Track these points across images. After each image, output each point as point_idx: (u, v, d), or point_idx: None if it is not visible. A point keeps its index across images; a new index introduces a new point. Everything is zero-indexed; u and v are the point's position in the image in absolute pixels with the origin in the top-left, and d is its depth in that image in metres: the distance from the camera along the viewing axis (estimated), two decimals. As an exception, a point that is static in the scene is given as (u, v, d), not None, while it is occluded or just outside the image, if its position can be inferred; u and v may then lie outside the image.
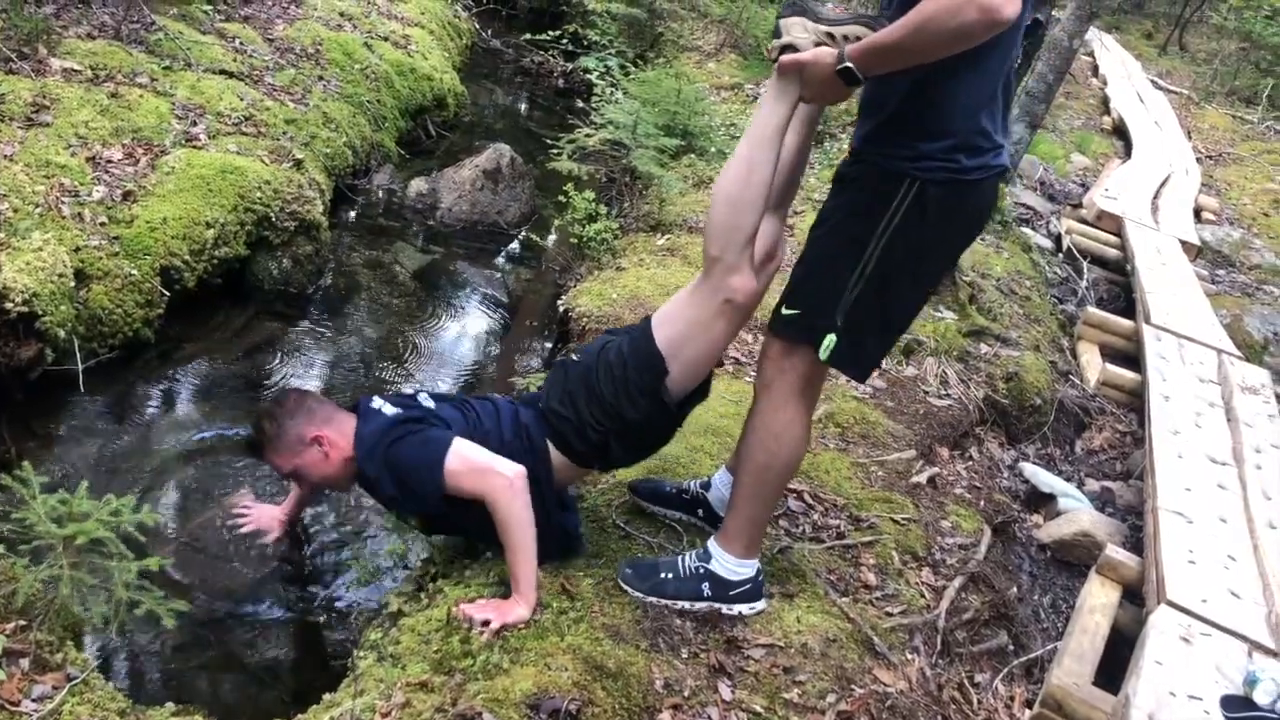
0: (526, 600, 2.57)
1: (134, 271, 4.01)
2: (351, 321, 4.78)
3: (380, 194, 6.13)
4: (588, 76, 7.86)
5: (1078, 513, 4.13)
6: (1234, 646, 3.06)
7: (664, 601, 2.74)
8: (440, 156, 7.00)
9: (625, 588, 2.75)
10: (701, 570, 2.74)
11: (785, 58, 2.33)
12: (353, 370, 4.40)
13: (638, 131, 6.08)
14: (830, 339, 2.42)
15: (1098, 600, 3.47)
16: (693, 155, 6.73)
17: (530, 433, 2.77)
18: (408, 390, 2.88)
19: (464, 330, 4.98)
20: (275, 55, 6.14)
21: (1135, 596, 3.57)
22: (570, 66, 9.08)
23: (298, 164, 5.08)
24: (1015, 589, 3.62)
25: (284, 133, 5.32)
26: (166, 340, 4.18)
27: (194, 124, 4.95)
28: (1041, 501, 4.31)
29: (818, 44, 2.29)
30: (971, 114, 2.25)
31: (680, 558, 2.81)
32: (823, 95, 2.38)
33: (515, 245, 6.04)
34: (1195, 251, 7.45)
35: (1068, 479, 4.54)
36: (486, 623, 2.51)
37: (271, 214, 4.67)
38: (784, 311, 2.50)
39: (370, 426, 2.67)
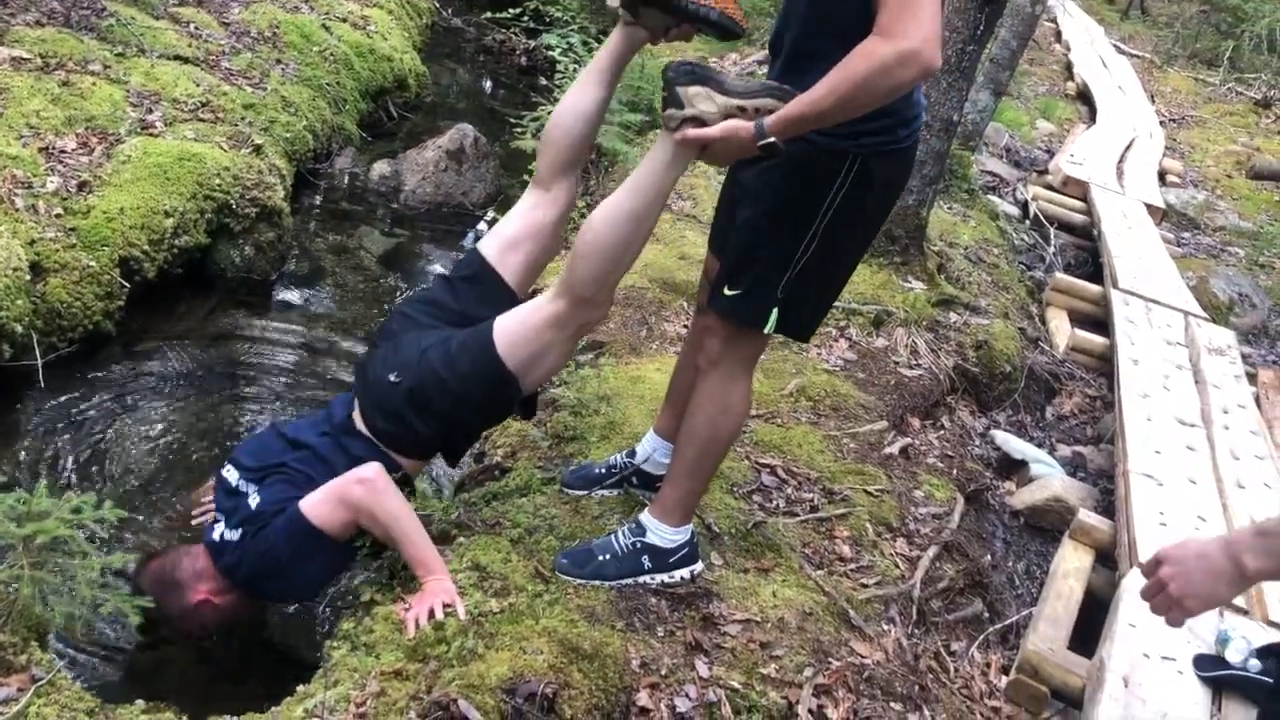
0: (441, 571, 2.57)
1: (92, 263, 3.93)
2: (316, 308, 4.73)
3: (343, 178, 6.05)
4: (550, 54, 7.78)
5: (1049, 478, 4.15)
6: (1206, 607, 3.08)
7: (608, 584, 2.72)
8: (403, 138, 6.91)
9: (566, 578, 2.71)
10: (639, 545, 2.74)
11: (692, 132, 2.22)
12: (317, 357, 4.34)
13: (602, 108, 6.02)
14: (774, 313, 2.42)
15: (1071, 565, 3.50)
16: (658, 130, 6.68)
17: (361, 458, 2.71)
18: (227, 499, 2.74)
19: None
20: (231, 39, 6.03)
21: (1108, 560, 3.59)
22: (532, 44, 8.98)
23: (257, 149, 4.99)
24: (989, 556, 3.64)
25: (242, 118, 5.23)
26: (128, 332, 4.11)
27: (149, 111, 4.85)
28: (1013, 468, 4.33)
29: (727, 116, 2.20)
30: (908, 92, 2.23)
31: (612, 537, 2.79)
32: (730, 160, 2.35)
33: (481, 226, 5.98)
34: (1161, 215, 7.50)
35: (1039, 445, 4.56)
36: (433, 613, 2.48)
37: (232, 201, 4.59)
38: (726, 292, 2.46)
39: (227, 556, 2.63)
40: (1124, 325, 5.15)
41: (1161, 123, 10.54)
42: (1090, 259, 6.78)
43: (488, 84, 8.98)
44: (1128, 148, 8.87)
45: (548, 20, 8.47)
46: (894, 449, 3.88)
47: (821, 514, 3.29)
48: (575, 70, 7.06)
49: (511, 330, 2.63)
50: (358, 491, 2.54)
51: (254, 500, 2.67)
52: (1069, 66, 12.12)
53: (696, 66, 2.24)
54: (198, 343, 4.22)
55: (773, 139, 2.13)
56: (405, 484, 2.79)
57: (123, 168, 4.33)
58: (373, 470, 2.58)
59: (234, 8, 6.46)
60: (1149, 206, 7.40)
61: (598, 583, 2.71)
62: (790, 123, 2.11)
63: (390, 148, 6.60)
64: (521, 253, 2.85)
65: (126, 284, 4.07)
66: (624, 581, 2.73)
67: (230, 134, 4.96)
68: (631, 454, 3.11)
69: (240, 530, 2.64)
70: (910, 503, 3.56)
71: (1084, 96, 10.99)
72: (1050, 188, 7.65)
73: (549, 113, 6.42)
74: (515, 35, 9.17)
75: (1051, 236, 6.90)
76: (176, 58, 5.43)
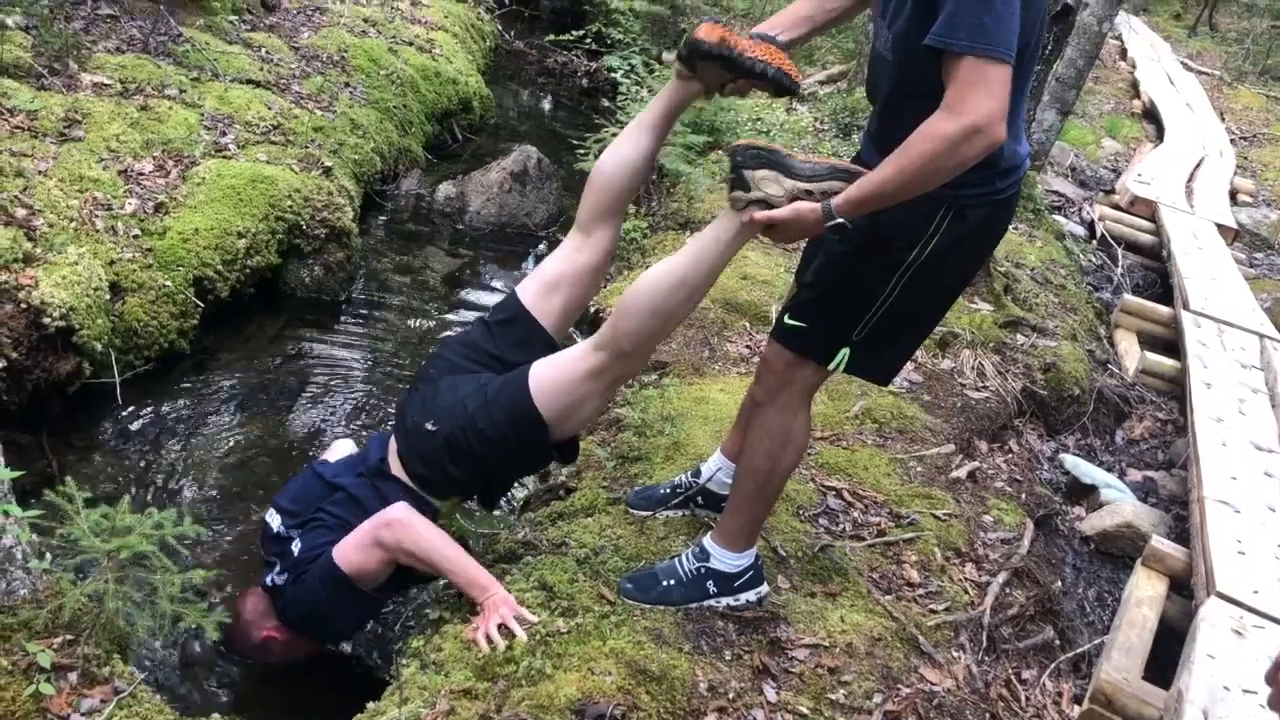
0: (494, 586, 2.60)
1: (167, 283, 4.03)
2: (383, 327, 4.79)
3: (409, 199, 6.14)
4: (612, 75, 7.84)
5: (1120, 504, 4.07)
6: (1287, 638, 3.01)
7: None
8: (467, 159, 7.00)
9: (631, 603, 2.71)
10: (703, 570, 2.73)
11: (759, 214, 2.23)
12: (384, 376, 4.40)
13: (664, 129, 6.05)
14: (844, 353, 2.41)
15: (1144, 593, 3.42)
16: (720, 151, 6.69)
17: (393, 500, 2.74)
18: (273, 546, 2.83)
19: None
20: (301, 63, 6.16)
21: (1183, 588, 3.51)
22: (594, 66, 9.06)
23: (326, 171, 5.09)
24: (1059, 583, 3.57)
25: (312, 140, 5.34)
26: (201, 351, 4.21)
27: (223, 134, 4.97)
28: (1083, 493, 4.26)
29: (794, 199, 2.20)
30: (1013, 142, 2.21)
31: (676, 561, 2.78)
32: (796, 240, 2.35)
33: (544, 247, 6.03)
34: (1232, 235, 7.35)
35: (1109, 469, 4.48)
36: (504, 626, 2.51)
37: (302, 222, 4.69)
38: (788, 321, 2.45)
39: (278, 602, 2.74)
40: (1196, 348, 5.05)
41: (1232, 141, 10.34)
42: (1159, 280, 6.66)
43: (550, 105, 9.07)
44: (1197, 166, 8.71)
45: (609, 42, 8.54)
46: (961, 473, 3.83)
47: (889, 538, 3.26)
48: (637, 91, 7.11)
49: (548, 379, 2.61)
50: (387, 534, 2.57)
51: (296, 547, 2.74)
52: (1135, 84, 11.94)
53: (763, 150, 2.23)
54: (268, 360, 4.31)
55: (841, 220, 2.13)
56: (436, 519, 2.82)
57: (197, 189, 4.44)
58: (400, 510, 2.62)
59: (304, 33, 6.59)
60: (1220, 226, 7.25)
61: (663, 608, 2.71)
62: (857, 204, 2.11)
63: (455, 169, 6.69)
64: (559, 297, 2.84)
65: (200, 303, 4.18)
66: (689, 606, 2.73)
67: (300, 156, 5.06)
68: (696, 473, 3.10)
69: (286, 575, 2.72)
70: (979, 527, 3.51)
71: (1151, 115, 10.82)
72: (1117, 207, 7.53)
73: (612, 134, 6.51)
74: (577, 57, 9.27)
75: (1119, 257, 6.79)
76: (249, 82, 5.56)
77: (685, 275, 2.41)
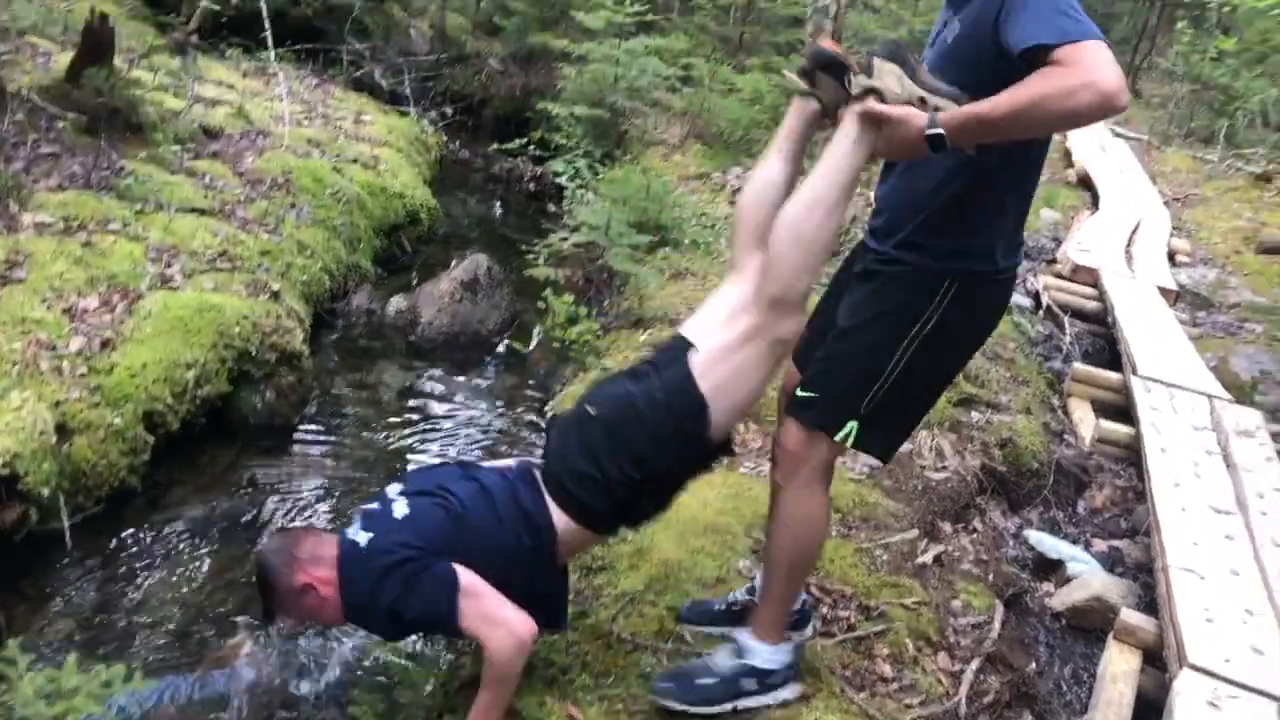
0: None
1: (116, 420, 3.98)
2: (339, 448, 4.74)
3: (360, 315, 6.14)
4: (557, 180, 7.96)
5: (1088, 576, 4.07)
6: (1263, 706, 3.00)
7: (713, 710, 2.69)
8: (418, 270, 7.03)
9: (667, 703, 2.68)
10: (743, 667, 2.72)
11: (872, 104, 2.25)
12: (344, 499, 4.34)
13: (611, 231, 6.14)
14: (851, 425, 2.46)
15: (1119, 668, 3.40)
16: (667, 248, 6.78)
17: (529, 510, 2.64)
18: (374, 501, 2.71)
19: (452, 445, 4.94)
20: (246, 188, 6.19)
21: (1157, 660, 3.50)
22: (540, 170, 9.18)
23: (275, 295, 5.09)
24: (1034, 664, 3.54)
25: (259, 264, 5.34)
26: (154, 486, 4.14)
27: (169, 265, 4.96)
28: (1050, 568, 4.25)
29: (908, 102, 2.22)
30: (1015, 219, 2.35)
31: (711, 659, 2.77)
32: (896, 153, 2.35)
33: (498, 353, 6.03)
34: (1174, 296, 7.49)
35: (1074, 541, 4.48)
36: None
37: (252, 348, 4.66)
38: (800, 393, 2.51)
39: (351, 562, 2.57)
40: (1148, 413, 5.11)
41: (1165, 203, 10.60)
42: (1108, 346, 6.76)
43: (498, 212, 9.16)
44: (1134, 231, 8.91)
45: (553, 147, 8.68)
46: (927, 557, 3.83)
47: (859, 632, 3.23)
48: (582, 194, 7.22)
49: (704, 356, 2.55)
50: (506, 643, 2.46)
51: (401, 510, 2.61)
52: (1068, 153, 12.26)
53: (900, 48, 2.26)
54: (223, 492, 4.24)
55: (941, 130, 2.12)
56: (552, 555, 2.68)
57: (144, 323, 4.41)
58: (527, 629, 2.49)
59: (248, 157, 6.64)
60: (1161, 289, 7.40)
61: (703, 710, 2.69)
62: (966, 122, 2.11)
63: (406, 281, 6.72)
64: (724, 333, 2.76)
65: (151, 438, 4.12)
66: (724, 706, 2.70)
67: (248, 281, 5.06)
68: (751, 590, 3.02)
69: (371, 536, 2.57)
70: (949, 613, 3.49)
71: (1085, 182, 11.08)
72: (1060, 276, 7.66)
73: (561, 239, 6.59)
74: (522, 163, 9.40)
75: (1066, 326, 6.89)
76: (193, 210, 5.57)
77: (819, 194, 2.38)
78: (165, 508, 4.08)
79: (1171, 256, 8.85)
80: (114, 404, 4.03)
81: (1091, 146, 12.14)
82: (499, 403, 5.46)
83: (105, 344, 4.24)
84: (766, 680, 2.73)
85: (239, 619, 3.46)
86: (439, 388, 5.55)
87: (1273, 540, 3.97)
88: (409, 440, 4.88)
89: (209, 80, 7.81)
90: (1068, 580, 4.11)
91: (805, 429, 2.52)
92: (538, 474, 2.73)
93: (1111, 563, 4.36)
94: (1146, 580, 4.16)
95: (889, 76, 2.25)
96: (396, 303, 6.18)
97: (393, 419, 5.08)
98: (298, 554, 2.62)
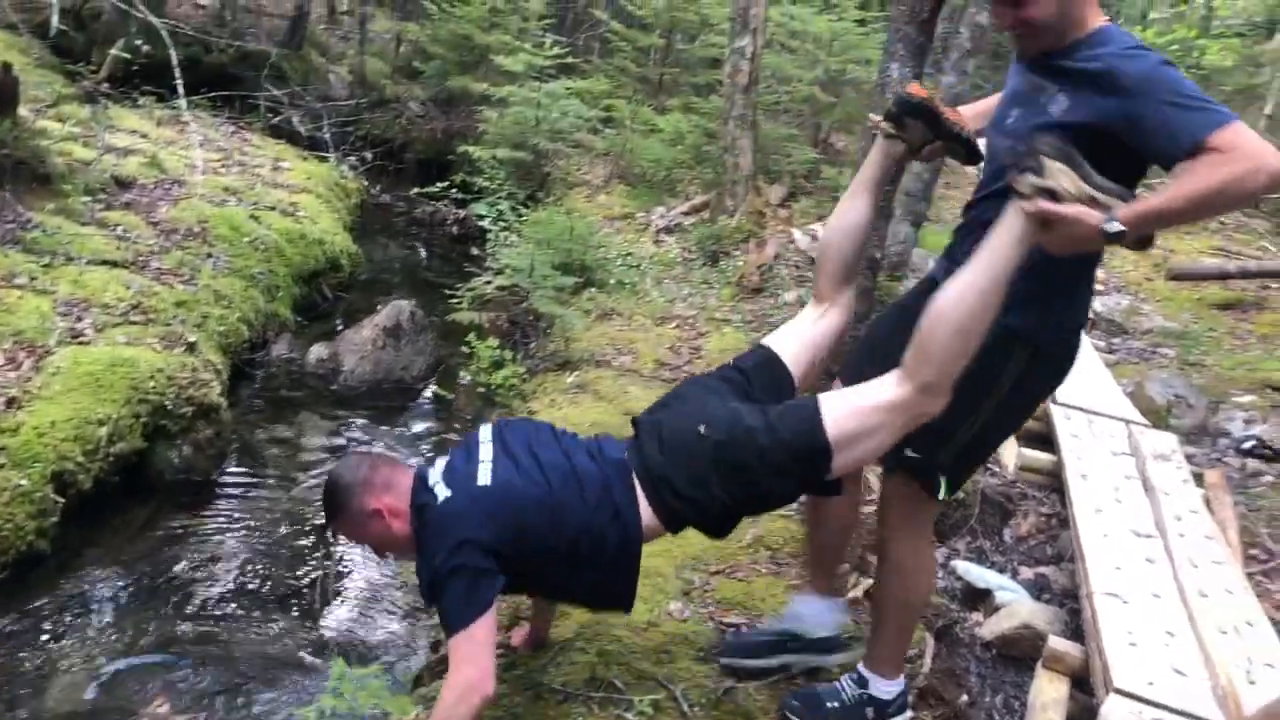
0: None
1: (23, 482, 3.84)
2: (259, 502, 4.63)
3: (280, 365, 6.03)
4: (480, 222, 7.94)
5: (1016, 605, 4.10)
6: (1188, 728, 3.04)
7: None
8: (341, 317, 6.94)
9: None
10: (864, 696, 2.87)
11: (1046, 205, 2.22)
12: (265, 554, 4.23)
13: (534, 273, 6.12)
14: (943, 479, 2.61)
15: (1048, 696, 3.43)
16: (593, 289, 6.78)
17: (619, 505, 2.59)
18: (461, 447, 2.64)
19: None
20: (160, 238, 6.07)
21: (1085, 685, 3.53)
22: (462, 213, 9.16)
23: (190, 347, 4.97)
24: (965, 695, 3.55)
25: (175, 316, 5.22)
26: (65, 549, 3.99)
27: (79, 319, 4.83)
28: (979, 597, 4.28)
29: (1080, 201, 2.21)
30: (1086, 284, 2.53)
31: (837, 686, 2.93)
32: (1065, 249, 2.34)
33: (423, 400, 5.97)
34: (1089, 323, 7.67)
35: (1001, 570, 4.53)
36: None
37: (167, 402, 4.55)
38: (907, 454, 2.59)
39: (423, 506, 2.51)
40: (1068, 440, 5.20)
41: (1077, 233, 10.89)
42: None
43: (422, 256, 9.09)
44: (1049, 261, 9.11)
45: (476, 190, 8.66)
46: (858, 591, 3.82)
47: (793, 671, 3.21)
48: (506, 236, 7.20)
49: (842, 403, 2.56)
50: (464, 683, 2.38)
51: (483, 475, 2.53)
52: (983, 187, 12.55)
53: (1067, 146, 2.24)
54: (138, 552, 4.11)
55: (1123, 227, 2.14)
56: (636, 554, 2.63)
57: (53, 379, 4.28)
58: (486, 693, 2.39)
59: (162, 207, 6.51)
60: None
61: None
62: (1143, 215, 2.15)
63: (328, 329, 6.63)
64: (805, 357, 2.87)
65: (60, 499, 3.98)
66: None
67: (163, 334, 4.94)
68: (799, 628, 3.16)
69: (449, 495, 2.48)
70: (880, 648, 3.49)
71: (1001, 215, 11.35)
72: (980, 308, 7.80)
73: (485, 282, 6.55)
74: (445, 206, 9.36)
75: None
76: (105, 262, 5.43)
77: (979, 286, 2.38)
78: (77, 571, 3.94)
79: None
80: (20, 465, 3.89)
81: (1005, 179, 12.42)
82: (425, 450, 5.38)
83: (11, 403, 4.10)
84: (885, 710, 2.87)
85: (153, 686, 3.34)
86: (362, 437, 5.46)
87: (1190, 561, 4.05)
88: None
89: (121, 129, 7.67)
90: (996, 609, 4.14)
91: (911, 486, 2.65)
92: (633, 471, 2.66)
93: (1038, 590, 4.41)
94: (1073, 606, 4.21)
95: (1062, 177, 2.23)
96: (318, 351, 6.09)
97: (315, 470, 4.98)
98: (373, 479, 2.57)
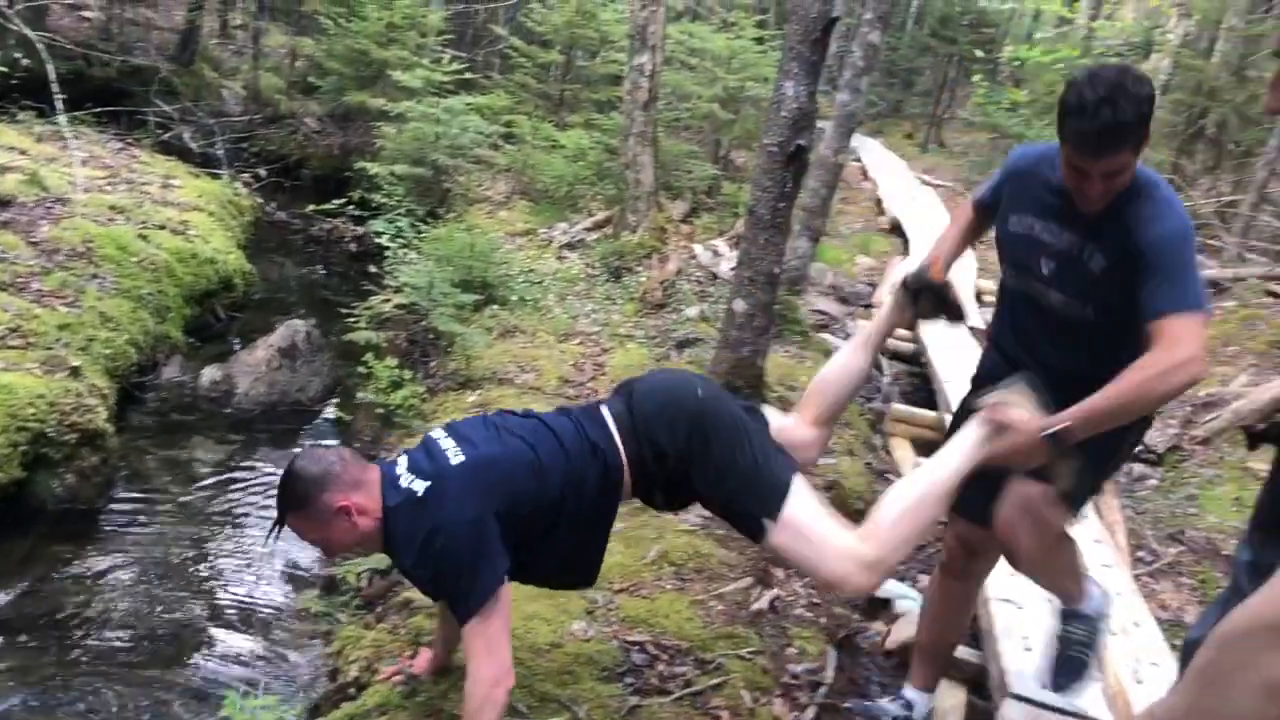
0: None
1: (-110, 517, 3.65)
2: (150, 531, 4.47)
3: (171, 388, 5.85)
4: (379, 240, 7.82)
5: (916, 613, 4.16)
6: (1081, 729, 3.11)
7: None
8: (236, 338, 6.76)
9: None
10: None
11: (1001, 409, 2.47)
12: (154, 584, 4.09)
13: (434, 290, 6.04)
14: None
15: (948, 703, 3.48)
16: (494, 306, 6.72)
17: (594, 439, 2.61)
18: (419, 453, 2.57)
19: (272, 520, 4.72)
20: (41, 259, 5.84)
21: (983, 691, 3.60)
22: (361, 230, 9.01)
23: (74, 371, 4.79)
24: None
25: (57, 340, 5.03)
26: (-64, 586, 3.80)
27: (-48, 345, 4.62)
28: (880, 606, 4.34)
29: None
30: None
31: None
32: (1017, 459, 2.49)
33: (320, 422, 5.85)
34: (984, 334, 7.86)
35: (900, 578, 4.60)
36: None
37: (48, 429, 4.37)
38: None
39: (400, 504, 2.45)
40: (963, 448, 5.30)
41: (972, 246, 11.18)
42: (924, 385, 7.04)
43: (319, 274, 8.92)
44: (943, 274, 9.32)
45: (374, 206, 8.52)
46: (762, 603, 3.84)
47: (696, 687, 3.21)
48: (405, 254, 7.10)
49: (802, 519, 2.55)
50: (488, 675, 2.38)
51: (456, 459, 2.48)
52: (879, 202, 12.82)
53: (1038, 386, 2.51)
54: (15, 589, 3.92)
55: (1058, 429, 2.35)
56: (617, 490, 2.64)
57: (-77, 409, 4.08)
58: (508, 685, 2.41)
59: (43, 226, 6.27)
60: (971, 329, 7.75)
61: None
62: (1084, 420, 2.35)
63: (222, 350, 6.45)
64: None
65: (-68, 534, 3.79)
66: None
67: (44, 358, 4.75)
68: (908, 705, 3.32)
69: (427, 486, 2.43)
70: (784, 661, 3.51)
71: (897, 229, 11.60)
72: (877, 320, 7.94)
73: (383, 301, 6.44)
74: (342, 224, 9.20)
75: (885, 367, 7.14)
76: (-19, 285, 5.21)
77: (936, 480, 2.56)
78: (-51, 609, 3.75)
79: (979, 296, 9.31)
80: (-112, 499, 3.70)
81: (902, 196, 12.73)
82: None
83: (-123, 433, 3.89)
84: None
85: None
86: (257, 461, 5.32)
87: (1081, 565, 4.16)
88: (225, 519, 4.65)
89: (-2, 145, 7.38)
90: (896, 618, 4.20)
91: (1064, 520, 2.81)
92: (604, 409, 2.69)
93: (937, 597, 4.48)
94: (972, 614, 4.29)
95: (1021, 397, 2.49)
96: (210, 373, 5.92)
97: (207, 496, 4.83)
98: (342, 475, 2.48)
